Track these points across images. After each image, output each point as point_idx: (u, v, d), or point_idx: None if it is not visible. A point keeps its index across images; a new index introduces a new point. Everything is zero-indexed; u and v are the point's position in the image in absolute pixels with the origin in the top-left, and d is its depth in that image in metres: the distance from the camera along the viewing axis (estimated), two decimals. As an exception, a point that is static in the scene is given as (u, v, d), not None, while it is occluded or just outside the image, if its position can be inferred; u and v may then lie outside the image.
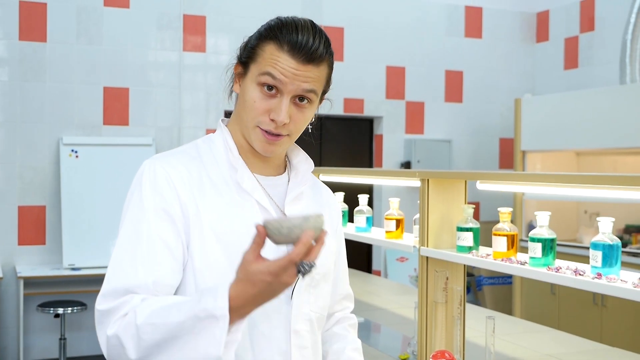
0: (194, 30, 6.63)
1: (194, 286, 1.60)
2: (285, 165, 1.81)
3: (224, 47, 6.68)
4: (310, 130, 1.76)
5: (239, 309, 1.41)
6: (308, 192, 1.82)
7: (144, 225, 1.58)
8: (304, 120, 1.69)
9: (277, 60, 1.61)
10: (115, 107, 6.40)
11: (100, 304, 1.54)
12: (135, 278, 1.54)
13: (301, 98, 1.65)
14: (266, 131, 1.64)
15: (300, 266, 1.37)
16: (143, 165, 1.68)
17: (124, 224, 1.62)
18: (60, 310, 5.63)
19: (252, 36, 1.72)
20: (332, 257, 1.83)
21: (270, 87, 1.62)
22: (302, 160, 1.81)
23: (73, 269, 5.90)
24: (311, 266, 1.37)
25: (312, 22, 1.68)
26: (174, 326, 1.44)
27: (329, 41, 1.68)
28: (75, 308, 5.66)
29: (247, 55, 1.69)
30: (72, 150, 6.16)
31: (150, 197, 1.61)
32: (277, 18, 1.69)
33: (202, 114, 6.66)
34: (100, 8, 6.34)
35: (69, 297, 5.95)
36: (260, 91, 1.63)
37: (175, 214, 1.60)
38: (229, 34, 6.67)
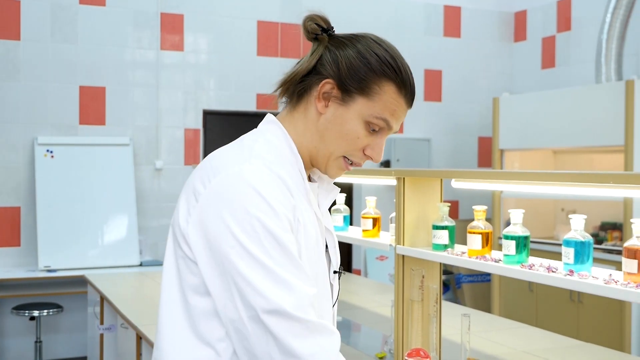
0: (172, 28, 6.61)
1: None
2: None
3: (202, 46, 6.66)
4: None
5: None
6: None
7: (284, 239, 1.42)
8: None
9: (396, 107, 1.55)
10: (92, 106, 6.35)
11: (308, 313, 1.41)
12: (310, 290, 1.42)
13: None
14: (352, 163, 1.58)
15: None
16: (243, 173, 1.45)
17: (260, 239, 1.41)
18: (36, 313, 5.57)
19: (357, 63, 1.57)
20: None
21: (375, 129, 1.56)
22: None
23: (49, 270, 5.85)
24: None
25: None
26: None
27: None
28: (51, 310, 5.60)
29: (357, 86, 1.54)
30: (48, 151, 6.11)
31: (279, 206, 1.43)
32: (390, 55, 1.59)
33: (180, 113, 6.63)
34: (76, 6, 6.29)
35: (45, 299, 5.90)
36: (366, 129, 1.55)
37: (292, 226, 1.46)
38: (207, 33, 6.65)
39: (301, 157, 1.58)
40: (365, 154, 1.57)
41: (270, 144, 1.56)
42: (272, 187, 1.44)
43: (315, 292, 1.43)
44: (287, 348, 1.38)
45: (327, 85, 1.55)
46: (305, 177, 1.59)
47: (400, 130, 7.43)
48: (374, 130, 1.56)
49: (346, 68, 1.55)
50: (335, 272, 1.68)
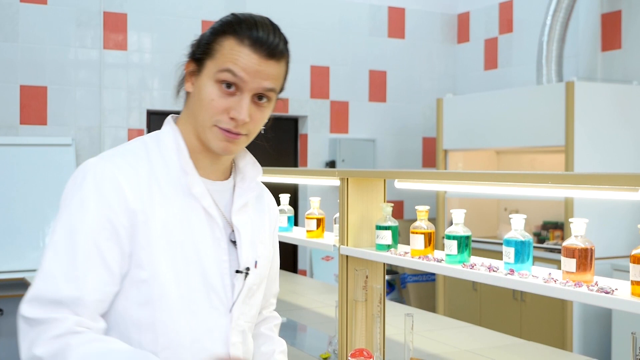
0: (115, 27, 6.52)
1: (137, 297, 1.55)
2: (231, 170, 1.76)
3: (146, 45, 6.59)
4: (263, 132, 1.71)
5: None
6: (252, 198, 1.77)
7: (81, 234, 1.50)
8: (262, 119, 1.65)
9: (238, 56, 1.56)
10: (33, 106, 6.24)
11: (26, 311, 1.47)
12: (64, 291, 1.47)
13: (260, 96, 1.61)
14: (225, 130, 1.58)
15: None
16: (86, 165, 1.58)
17: (60, 228, 1.53)
18: (-24, 316, 5.47)
19: (205, 33, 1.66)
20: (268, 264, 1.81)
21: (229, 85, 1.57)
22: (249, 164, 1.77)
23: (-12, 271, 5.74)
24: None
25: (269, 19, 1.65)
26: None
27: (286, 39, 1.65)
28: (-9, 313, 5.49)
29: (202, 52, 1.62)
30: (-12, 151, 5.99)
31: (93, 203, 1.52)
32: (232, 14, 1.65)
33: (123, 114, 6.55)
34: (17, 4, 6.17)
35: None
36: (219, 89, 1.57)
37: (120, 223, 1.52)
38: (151, 32, 6.58)
39: (197, 147, 1.64)
40: (230, 118, 1.58)
41: (162, 142, 1.64)
42: (96, 184, 1.52)
43: (77, 294, 1.47)
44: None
45: (188, 66, 1.66)
46: (192, 174, 1.62)
47: (345, 131, 7.48)
48: (228, 87, 1.57)
49: (197, 42, 1.66)
50: (237, 271, 1.66)
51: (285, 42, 1.64)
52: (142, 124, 6.55)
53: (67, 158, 6.11)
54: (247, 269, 1.67)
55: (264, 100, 1.62)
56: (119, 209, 1.53)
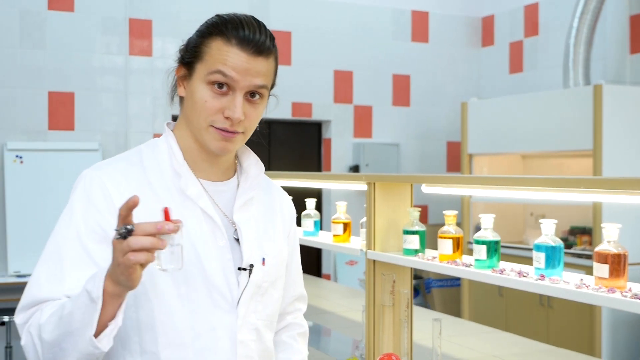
0: (140, 34, 6.57)
1: (132, 299, 1.56)
2: (235, 169, 1.77)
3: (171, 51, 6.61)
4: (258, 130, 1.73)
5: (110, 290, 1.39)
6: (260, 196, 1.78)
7: (68, 239, 1.56)
8: (257, 116, 1.66)
9: (226, 56, 1.58)
10: (61, 112, 6.30)
11: (16, 317, 1.56)
12: (47, 291, 1.53)
13: (253, 94, 1.62)
14: (222, 129, 1.60)
15: (120, 228, 1.34)
16: (80, 176, 1.64)
17: (51, 237, 1.60)
18: (6, 318, 5.51)
19: (192, 36, 1.69)
20: (282, 263, 1.81)
21: (220, 85, 1.59)
22: (253, 163, 1.78)
23: (18, 276, 5.81)
24: (127, 229, 1.33)
25: (254, 16, 1.66)
26: (66, 319, 1.42)
27: (273, 35, 1.66)
28: (20, 316, 5.53)
29: (190, 55, 1.65)
30: (17, 156, 6.04)
31: (81, 209, 1.58)
32: (217, 15, 1.67)
33: (149, 119, 6.59)
34: (44, 12, 6.23)
35: (15, 304, 5.76)
36: (211, 90, 1.60)
37: (110, 226, 1.53)
38: (176, 38, 6.61)
39: (194, 150, 1.68)
40: (225, 117, 1.60)
41: (157, 147, 1.69)
42: (85, 191, 1.59)
43: (58, 289, 1.52)
44: None
45: (179, 70, 1.69)
46: (187, 176, 1.65)
47: (369, 135, 7.47)
48: (219, 87, 1.60)
49: (185, 46, 1.70)
50: (240, 268, 1.67)
51: (272, 38, 1.65)
52: (168, 129, 6.57)
53: (94, 162, 6.14)
54: (251, 265, 1.67)
55: (257, 97, 1.64)
56: (107, 212, 1.56)
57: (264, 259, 1.71)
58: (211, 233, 1.64)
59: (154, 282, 1.57)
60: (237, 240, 1.69)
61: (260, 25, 1.63)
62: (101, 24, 6.43)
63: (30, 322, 1.51)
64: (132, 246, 1.31)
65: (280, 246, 1.80)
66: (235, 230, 1.69)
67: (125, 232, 1.33)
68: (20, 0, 6.14)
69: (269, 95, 1.70)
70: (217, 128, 1.61)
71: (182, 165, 1.66)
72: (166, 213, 1.36)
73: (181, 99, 1.71)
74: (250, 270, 1.67)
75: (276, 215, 1.82)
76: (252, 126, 1.66)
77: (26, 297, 1.55)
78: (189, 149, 1.68)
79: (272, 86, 1.69)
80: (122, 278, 1.35)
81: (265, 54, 1.61)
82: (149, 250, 1.32)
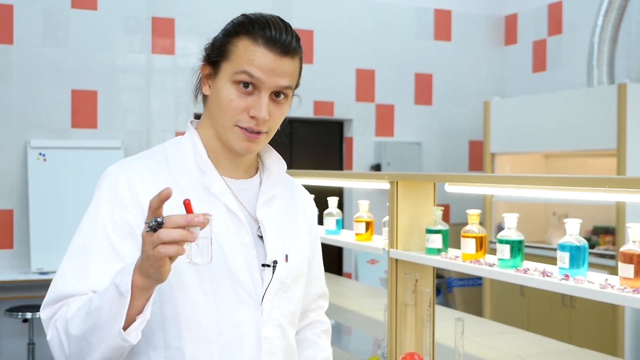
0: (163, 32, 6.59)
1: (157, 295, 1.57)
2: (257, 167, 1.78)
3: (193, 50, 6.65)
4: (280, 130, 1.73)
5: (139, 283, 1.40)
6: (282, 194, 1.80)
7: (94, 235, 1.56)
8: (282, 115, 1.67)
9: (253, 56, 1.59)
10: (84, 110, 6.34)
11: (42, 312, 1.56)
12: (73, 286, 1.53)
13: (277, 94, 1.63)
14: (246, 129, 1.61)
15: (150, 221, 1.34)
16: (105, 172, 1.65)
17: (77, 233, 1.60)
18: (29, 315, 5.57)
19: (218, 35, 1.70)
20: (305, 260, 1.82)
21: (246, 85, 1.60)
22: (275, 161, 1.79)
23: (41, 273, 5.85)
24: (158, 222, 1.33)
25: (280, 17, 1.67)
26: (94, 313, 1.43)
27: (298, 36, 1.67)
28: (43, 313, 5.56)
29: (217, 54, 1.65)
30: (40, 154, 6.09)
31: (107, 205, 1.58)
32: (243, 15, 1.67)
33: (171, 117, 6.62)
34: (68, 10, 6.27)
35: (38, 301, 5.87)
36: (237, 90, 1.60)
37: (137, 223, 1.55)
38: (198, 36, 6.64)
39: (217, 148, 1.68)
40: (250, 116, 1.61)
41: (181, 145, 1.70)
42: (112, 188, 1.59)
43: (85, 285, 1.52)
44: None
45: (204, 69, 1.69)
46: (211, 173, 1.66)
47: (391, 134, 7.46)
48: (245, 87, 1.60)
49: (211, 45, 1.70)
50: (264, 265, 1.67)
51: (298, 39, 1.65)
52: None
53: (116, 160, 6.17)
54: (275, 262, 1.68)
55: (282, 97, 1.64)
56: (134, 208, 1.57)
57: (287, 256, 1.72)
58: (235, 230, 1.66)
59: (179, 277, 1.58)
60: (260, 237, 1.70)
61: (286, 26, 1.64)
62: (124, 22, 6.46)
63: (57, 317, 1.52)
64: (163, 238, 1.31)
65: (303, 243, 1.81)
66: (259, 227, 1.70)
67: (155, 225, 1.33)
68: (44, -1, 6.20)
69: (293, 95, 1.71)
70: (241, 127, 1.61)
71: (206, 163, 1.67)
72: (188, 205, 1.36)
73: (204, 97, 1.72)
74: (274, 266, 1.68)
75: (298, 213, 1.83)
76: (275, 126, 1.67)
77: (52, 292, 1.55)
78: (213, 147, 1.69)
79: (297, 86, 1.70)
80: (151, 271, 1.36)
81: (291, 54, 1.62)
82: (179, 243, 1.32)
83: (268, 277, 1.67)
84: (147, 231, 1.34)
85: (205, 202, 1.63)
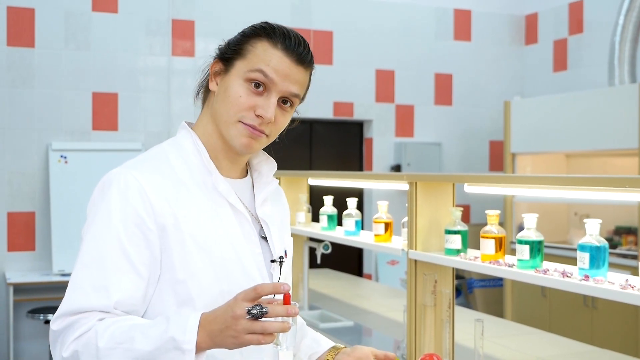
0: (183, 35, 6.62)
1: (174, 298, 1.57)
2: (246, 169, 1.80)
3: (213, 52, 6.65)
4: (278, 140, 1.76)
5: (203, 346, 1.42)
6: (270, 192, 1.82)
7: (108, 243, 1.53)
8: (284, 122, 1.69)
9: (270, 57, 1.61)
10: (104, 112, 6.38)
11: (54, 323, 1.52)
12: (93, 300, 1.50)
13: (285, 100, 1.65)
14: (250, 126, 1.62)
15: (253, 308, 1.37)
16: (110, 175, 1.61)
17: (88, 239, 1.56)
18: (51, 317, 5.59)
19: (234, 36, 1.72)
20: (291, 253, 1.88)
21: (258, 85, 1.61)
22: (263, 161, 1.81)
23: (63, 274, 5.89)
24: (262, 312, 1.36)
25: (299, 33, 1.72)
26: (139, 354, 1.42)
27: (312, 54, 1.70)
28: (65, 314, 5.60)
29: (232, 52, 1.67)
30: (62, 156, 6.14)
31: (119, 211, 1.55)
32: (265, 22, 1.71)
33: (191, 119, 6.54)
34: (89, 13, 6.32)
35: (59, 303, 5.90)
36: (247, 87, 1.62)
37: (148, 228, 1.55)
38: (218, 39, 6.58)
39: (217, 147, 1.69)
40: (256, 115, 1.62)
41: (181, 146, 1.69)
42: (121, 192, 1.55)
43: (106, 303, 1.49)
44: None
45: (215, 65, 1.71)
46: (215, 173, 1.66)
47: (411, 134, 7.44)
48: (257, 87, 1.61)
49: (227, 43, 1.72)
50: (272, 261, 1.71)
51: (312, 56, 1.69)
52: (210, 129, 6.62)
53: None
54: (281, 257, 1.72)
55: (288, 104, 1.66)
56: (146, 214, 1.55)
57: (285, 252, 1.76)
58: (242, 228, 1.68)
59: (197, 280, 1.58)
60: (262, 236, 1.73)
61: (304, 41, 1.68)
62: (144, 25, 6.49)
63: (77, 335, 1.48)
64: (267, 330, 1.36)
65: (290, 238, 1.88)
66: (261, 226, 1.74)
67: (259, 314, 1.35)
68: (65, 2, 6.24)
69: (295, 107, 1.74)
70: (245, 124, 1.62)
71: (210, 163, 1.68)
72: (287, 298, 1.40)
73: (204, 97, 1.75)
74: (281, 262, 1.71)
75: (282, 210, 1.88)
76: (276, 132, 1.69)
77: (69, 304, 1.52)
78: (212, 146, 1.70)
79: (303, 99, 1.72)
80: (228, 343, 1.40)
81: (305, 65, 1.65)
82: (274, 332, 1.37)
83: (277, 273, 1.71)
84: (248, 318, 1.37)
85: (213, 203, 1.65)
